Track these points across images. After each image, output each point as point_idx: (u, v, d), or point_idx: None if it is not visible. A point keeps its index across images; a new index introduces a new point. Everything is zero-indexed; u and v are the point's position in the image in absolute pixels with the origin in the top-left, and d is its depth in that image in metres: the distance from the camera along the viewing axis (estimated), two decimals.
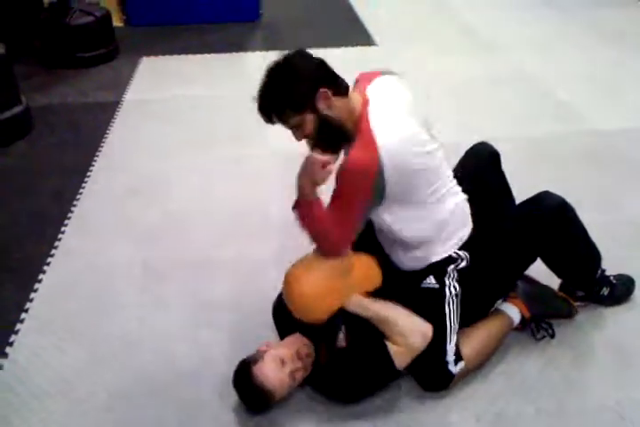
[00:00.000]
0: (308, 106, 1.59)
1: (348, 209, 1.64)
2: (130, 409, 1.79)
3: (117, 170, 3.04)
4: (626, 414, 1.73)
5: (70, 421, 1.76)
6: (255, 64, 4.38)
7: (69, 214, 2.68)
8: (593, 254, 1.97)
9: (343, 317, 1.78)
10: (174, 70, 4.30)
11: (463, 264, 1.80)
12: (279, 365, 1.69)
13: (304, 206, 1.66)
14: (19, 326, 2.08)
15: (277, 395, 1.71)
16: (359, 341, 1.77)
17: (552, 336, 1.97)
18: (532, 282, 2.03)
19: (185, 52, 4.57)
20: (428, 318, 1.76)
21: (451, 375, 1.76)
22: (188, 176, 2.98)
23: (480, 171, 1.99)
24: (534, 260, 1.90)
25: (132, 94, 3.89)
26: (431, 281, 1.79)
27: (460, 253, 1.81)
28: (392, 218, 1.73)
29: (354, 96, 1.68)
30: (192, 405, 1.80)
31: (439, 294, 1.78)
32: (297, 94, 1.58)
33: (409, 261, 1.84)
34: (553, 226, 1.82)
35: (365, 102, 1.67)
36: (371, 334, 1.74)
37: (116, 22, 4.85)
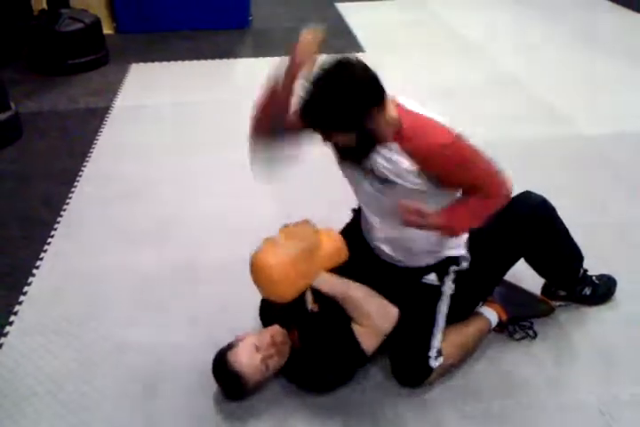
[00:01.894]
0: (356, 127, 1.54)
1: (479, 163, 1.66)
2: (119, 410, 1.81)
3: (107, 175, 3.06)
4: (607, 411, 1.76)
5: (60, 421, 1.77)
6: (245, 71, 4.43)
7: (59, 219, 2.70)
8: (575, 252, 2.01)
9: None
10: (164, 77, 4.33)
11: (465, 265, 1.83)
12: (253, 351, 1.74)
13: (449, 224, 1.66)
14: (8, 328, 2.09)
15: (251, 380, 1.74)
16: (329, 306, 1.80)
17: (533, 337, 2.00)
18: (507, 285, 2.06)
19: (175, 59, 4.60)
20: (421, 312, 1.80)
21: (429, 370, 1.79)
22: (178, 181, 3.00)
23: None
24: (517, 259, 1.94)
25: (121, 100, 3.91)
26: (433, 278, 1.83)
27: (466, 254, 1.84)
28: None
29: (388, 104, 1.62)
30: (182, 405, 1.81)
31: (437, 291, 1.82)
32: (348, 118, 1.51)
33: (426, 255, 1.83)
34: (535, 224, 1.86)
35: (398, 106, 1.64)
36: (337, 316, 1.77)
37: (107, 30, 4.88)
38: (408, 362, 1.81)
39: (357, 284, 1.80)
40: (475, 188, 1.67)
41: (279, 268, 1.77)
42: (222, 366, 1.76)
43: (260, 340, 1.77)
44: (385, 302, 1.77)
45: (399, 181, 1.64)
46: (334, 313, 1.79)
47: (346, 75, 1.49)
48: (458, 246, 1.83)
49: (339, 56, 1.54)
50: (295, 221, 1.87)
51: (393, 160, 1.61)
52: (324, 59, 1.55)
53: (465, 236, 1.84)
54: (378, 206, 1.79)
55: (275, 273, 1.77)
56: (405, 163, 1.60)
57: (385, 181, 1.67)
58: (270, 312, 1.96)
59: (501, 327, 2.00)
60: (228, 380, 1.76)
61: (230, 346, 1.78)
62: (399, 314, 1.76)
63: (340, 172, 1.83)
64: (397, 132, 1.59)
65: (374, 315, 1.74)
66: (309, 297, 1.84)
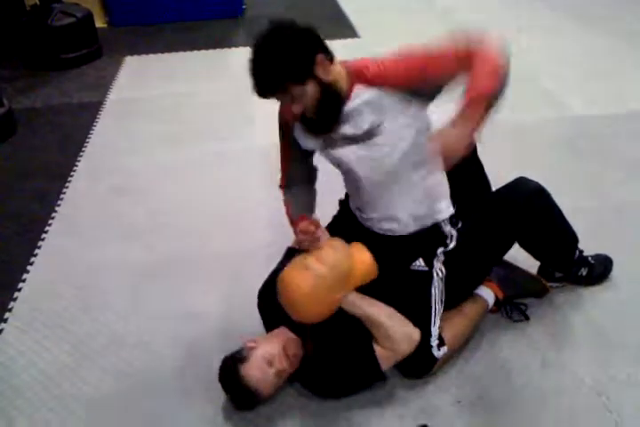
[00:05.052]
0: (308, 75, 1.55)
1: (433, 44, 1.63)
2: (115, 405, 1.81)
3: (101, 169, 3.05)
4: (603, 392, 1.75)
5: (56, 417, 1.77)
6: (239, 60, 4.35)
7: (53, 214, 2.69)
8: (570, 236, 1.98)
9: None
10: (158, 69, 4.30)
11: (452, 246, 1.81)
12: (266, 365, 1.68)
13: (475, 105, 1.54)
14: (2, 325, 2.10)
15: (265, 395, 1.71)
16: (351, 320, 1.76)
17: (527, 318, 1.98)
18: (503, 263, 2.04)
19: (168, 51, 4.57)
20: (416, 299, 1.78)
21: (434, 360, 1.77)
22: (173, 174, 2.99)
23: None
24: (512, 244, 1.91)
25: (115, 94, 3.89)
26: (421, 263, 1.81)
27: (452, 231, 1.82)
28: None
29: (336, 62, 1.64)
30: (178, 400, 1.81)
31: (427, 276, 1.80)
32: (297, 64, 1.53)
33: (416, 218, 1.80)
34: (530, 211, 1.82)
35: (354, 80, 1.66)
36: (359, 335, 1.74)
37: (99, 23, 4.85)
38: (411, 354, 1.77)
39: (381, 304, 1.75)
40: (458, 52, 1.58)
41: (313, 297, 1.68)
42: (234, 380, 1.69)
43: (272, 352, 1.70)
44: (408, 325, 1.74)
45: (387, 117, 1.65)
46: (356, 329, 1.75)
47: (276, 30, 1.55)
48: (447, 208, 1.82)
49: (271, 21, 1.57)
50: (326, 239, 1.77)
51: (369, 100, 1.65)
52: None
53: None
54: (372, 167, 1.75)
55: (308, 301, 1.69)
56: (382, 94, 1.64)
57: (369, 134, 1.67)
58: (273, 311, 1.85)
59: (497, 306, 1.98)
60: (242, 395, 1.71)
61: (240, 358, 1.70)
62: (420, 336, 1.74)
63: (328, 163, 1.83)
64: (353, 78, 1.63)
65: (397, 338, 1.70)
66: None
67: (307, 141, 1.79)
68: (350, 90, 1.65)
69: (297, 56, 1.52)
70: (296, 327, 1.80)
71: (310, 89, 1.57)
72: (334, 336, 1.78)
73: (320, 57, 1.55)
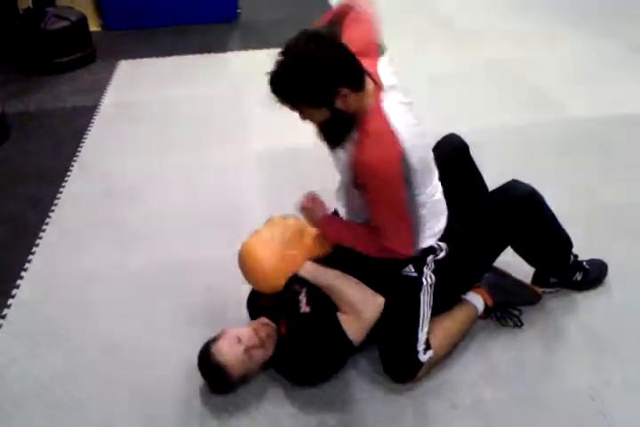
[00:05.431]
0: (324, 103, 1.54)
1: (392, 207, 1.62)
2: (109, 413, 1.80)
3: (95, 174, 3.04)
4: (598, 397, 1.75)
5: (49, 425, 1.77)
6: (234, 64, 4.38)
7: (47, 220, 2.68)
8: (563, 240, 1.99)
9: (304, 283, 1.83)
10: (152, 73, 4.28)
11: (442, 255, 1.82)
12: (235, 342, 1.74)
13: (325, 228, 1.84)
14: None
15: (235, 371, 1.74)
16: (321, 307, 1.80)
17: (520, 325, 1.98)
18: (494, 271, 2.04)
19: (163, 55, 4.55)
20: (404, 304, 1.79)
21: (419, 364, 1.78)
22: (167, 178, 2.98)
23: (447, 163, 1.99)
24: (504, 249, 1.92)
25: (109, 98, 3.88)
26: (411, 270, 1.81)
27: (441, 244, 1.83)
28: None
29: (368, 85, 1.60)
30: (173, 407, 1.80)
31: (417, 282, 1.80)
32: (315, 93, 1.51)
33: None
34: (521, 215, 1.83)
35: (379, 92, 1.62)
36: (326, 305, 1.78)
37: (93, 27, 4.83)
38: (397, 358, 1.80)
39: (342, 273, 1.81)
40: (375, 225, 1.69)
41: (267, 262, 1.81)
42: (205, 358, 1.77)
43: (242, 332, 1.78)
44: (369, 291, 1.77)
45: (344, 173, 1.70)
46: (325, 309, 1.78)
47: (310, 50, 1.48)
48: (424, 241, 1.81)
49: (315, 30, 1.53)
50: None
51: (347, 150, 1.65)
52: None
53: (439, 227, 1.83)
54: (345, 198, 1.84)
55: (264, 268, 1.82)
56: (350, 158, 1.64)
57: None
58: (257, 305, 1.97)
59: (487, 313, 1.98)
60: (212, 371, 1.77)
61: (214, 339, 1.79)
62: (384, 303, 1.76)
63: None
64: (361, 126, 1.59)
65: (358, 303, 1.74)
66: (304, 298, 1.83)
67: None
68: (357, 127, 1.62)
69: (318, 85, 1.50)
70: (273, 317, 1.86)
71: (322, 112, 1.57)
72: (304, 315, 1.81)
73: (343, 90, 1.51)
